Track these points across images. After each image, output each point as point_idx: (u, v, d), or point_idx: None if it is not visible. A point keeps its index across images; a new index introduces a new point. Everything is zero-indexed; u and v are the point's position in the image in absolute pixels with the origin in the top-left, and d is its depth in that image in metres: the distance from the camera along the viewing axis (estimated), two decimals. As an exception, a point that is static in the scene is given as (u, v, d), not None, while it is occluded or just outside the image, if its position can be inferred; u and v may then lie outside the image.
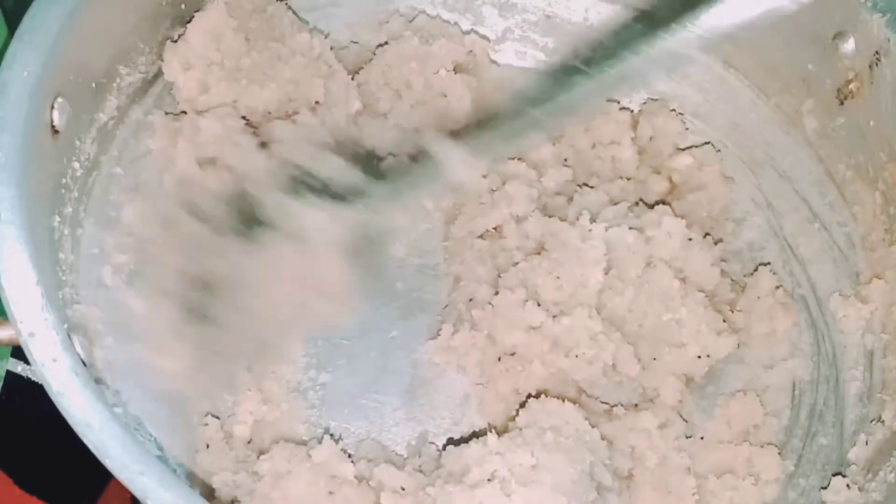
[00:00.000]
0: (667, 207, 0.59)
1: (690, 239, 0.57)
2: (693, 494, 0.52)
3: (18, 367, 0.60)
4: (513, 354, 0.54)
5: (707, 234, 0.60)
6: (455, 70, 0.62)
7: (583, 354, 0.53)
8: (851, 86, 0.57)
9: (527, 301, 0.54)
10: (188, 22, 0.55)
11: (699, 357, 0.55)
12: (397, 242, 0.58)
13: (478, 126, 0.60)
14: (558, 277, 0.54)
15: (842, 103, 0.58)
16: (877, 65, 0.55)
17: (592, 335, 0.54)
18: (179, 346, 0.48)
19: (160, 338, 0.48)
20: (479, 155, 0.51)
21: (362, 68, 0.62)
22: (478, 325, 0.55)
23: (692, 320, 0.55)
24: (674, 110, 0.63)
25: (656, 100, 0.64)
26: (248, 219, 0.50)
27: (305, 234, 0.49)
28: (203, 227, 0.50)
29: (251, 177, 0.52)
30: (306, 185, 0.51)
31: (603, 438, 0.52)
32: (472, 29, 0.65)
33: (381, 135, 0.59)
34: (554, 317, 0.54)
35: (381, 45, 0.62)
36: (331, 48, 0.60)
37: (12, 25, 0.47)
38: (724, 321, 0.56)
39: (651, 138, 0.63)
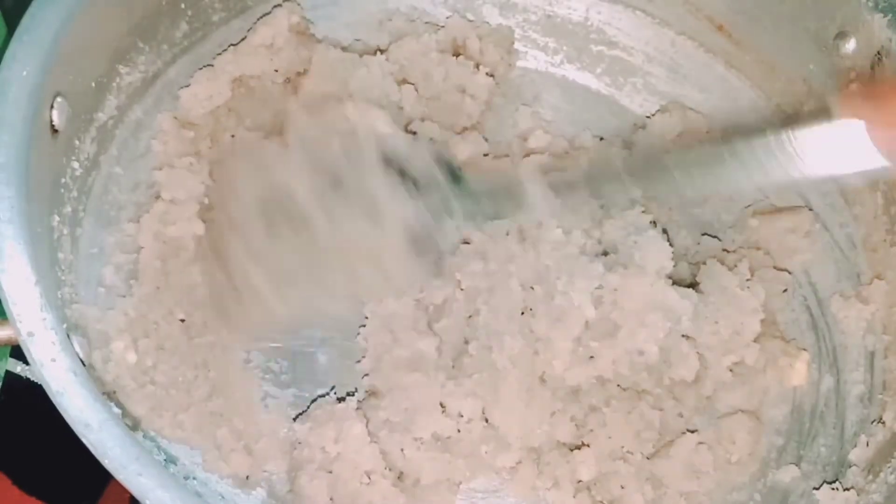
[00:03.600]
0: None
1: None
2: None
3: (18, 367, 0.60)
4: None
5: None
6: (477, 66, 0.62)
7: None
8: (853, 86, 0.57)
9: None
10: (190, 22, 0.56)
11: None
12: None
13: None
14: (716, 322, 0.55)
15: (843, 104, 0.58)
16: (878, 65, 0.55)
17: None
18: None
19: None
20: (561, 195, 0.51)
21: (372, 56, 0.61)
22: None
23: None
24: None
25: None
26: (334, 178, 0.51)
27: (379, 205, 0.50)
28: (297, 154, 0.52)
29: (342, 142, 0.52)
30: (388, 162, 0.51)
31: None
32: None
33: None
34: None
35: (395, 41, 0.62)
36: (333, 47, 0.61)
37: (12, 25, 0.47)
38: None
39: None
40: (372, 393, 0.54)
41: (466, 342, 0.54)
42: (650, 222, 0.56)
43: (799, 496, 0.54)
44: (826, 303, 0.59)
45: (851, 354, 0.57)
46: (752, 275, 0.57)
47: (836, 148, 0.44)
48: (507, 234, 0.55)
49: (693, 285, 0.56)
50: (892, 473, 0.51)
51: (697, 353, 0.54)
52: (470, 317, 0.54)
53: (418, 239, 0.50)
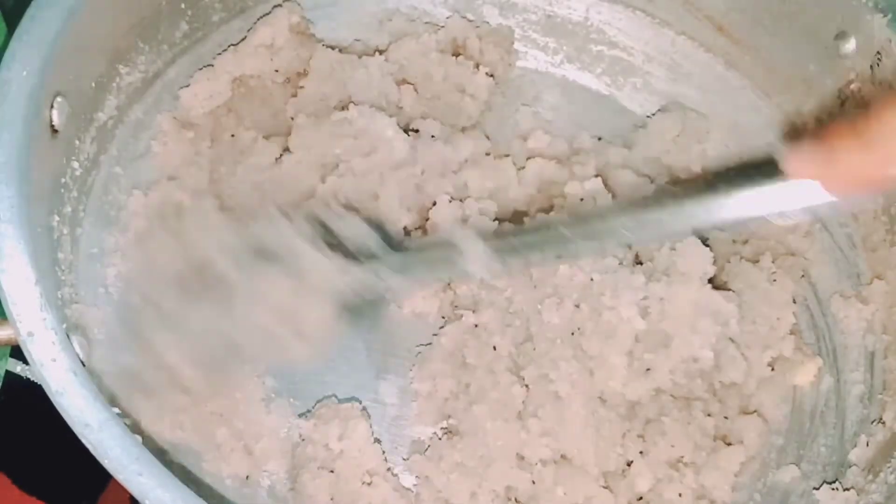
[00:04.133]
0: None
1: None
2: None
3: (18, 367, 0.60)
4: None
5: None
6: (476, 66, 0.62)
7: None
8: (853, 86, 0.57)
9: None
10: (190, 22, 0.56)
11: None
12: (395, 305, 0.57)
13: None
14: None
15: (843, 104, 0.58)
16: (878, 65, 0.55)
17: None
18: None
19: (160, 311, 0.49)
20: (501, 257, 0.49)
21: (371, 56, 0.62)
22: None
23: None
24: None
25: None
26: (260, 249, 0.50)
27: (305, 275, 0.49)
28: (221, 223, 0.51)
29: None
30: (324, 239, 0.50)
31: None
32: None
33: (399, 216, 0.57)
34: None
35: (394, 42, 0.62)
36: (332, 47, 0.61)
37: (12, 25, 0.47)
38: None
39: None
40: (448, 431, 0.54)
41: (519, 368, 0.53)
42: None
43: (799, 496, 0.54)
44: (826, 303, 0.59)
45: (851, 354, 0.57)
46: (776, 266, 0.57)
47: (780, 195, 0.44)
48: None
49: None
50: (892, 473, 0.51)
51: (741, 353, 0.54)
52: (522, 343, 0.53)
53: (347, 303, 0.49)
